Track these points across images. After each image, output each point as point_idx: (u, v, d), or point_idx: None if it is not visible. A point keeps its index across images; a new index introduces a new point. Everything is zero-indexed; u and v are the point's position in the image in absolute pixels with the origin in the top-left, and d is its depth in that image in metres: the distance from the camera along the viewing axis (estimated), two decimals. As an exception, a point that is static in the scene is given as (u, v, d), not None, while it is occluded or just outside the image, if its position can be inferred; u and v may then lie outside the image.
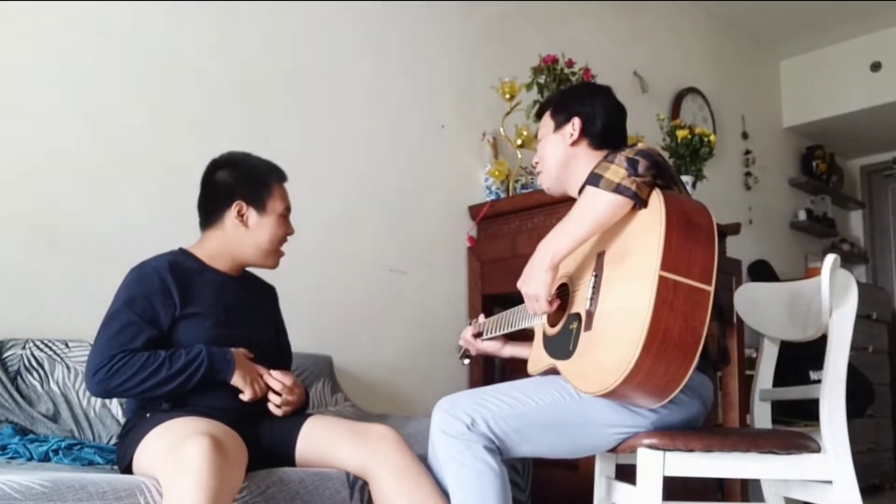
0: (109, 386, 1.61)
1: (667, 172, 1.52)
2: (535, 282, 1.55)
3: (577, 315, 1.56)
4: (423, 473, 1.63)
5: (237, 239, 1.83)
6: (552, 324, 1.67)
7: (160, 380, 1.62)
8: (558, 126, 1.79)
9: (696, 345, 1.37)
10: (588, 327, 1.50)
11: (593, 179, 1.47)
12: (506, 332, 1.90)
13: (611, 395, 1.41)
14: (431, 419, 1.67)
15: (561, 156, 1.78)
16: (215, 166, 1.89)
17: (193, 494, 1.30)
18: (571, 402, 1.56)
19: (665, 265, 1.35)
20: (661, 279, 1.35)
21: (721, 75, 4.76)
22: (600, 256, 1.55)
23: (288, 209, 1.89)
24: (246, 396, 1.71)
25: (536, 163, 1.87)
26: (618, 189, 1.44)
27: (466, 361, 2.09)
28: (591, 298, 1.51)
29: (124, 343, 1.63)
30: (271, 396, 1.76)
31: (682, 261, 1.37)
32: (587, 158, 1.75)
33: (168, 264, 1.76)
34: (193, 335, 1.71)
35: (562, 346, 1.58)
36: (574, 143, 1.76)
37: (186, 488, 1.31)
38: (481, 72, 3.32)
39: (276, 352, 1.91)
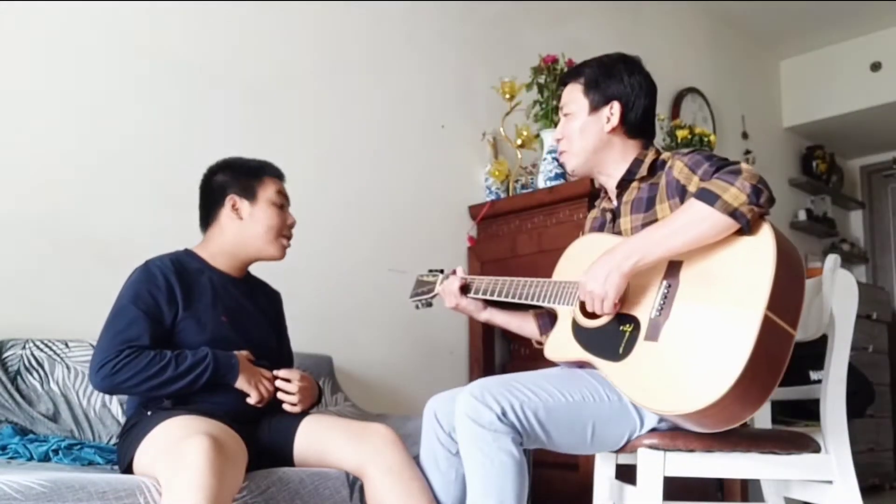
0: (115, 381, 1.61)
1: (774, 202, 1.48)
2: (609, 283, 1.47)
3: (633, 319, 1.50)
4: (416, 477, 1.63)
5: (235, 233, 1.84)
6: (590, 316, 1.59)
7: (165, 379, 1.62)
8: (594, 108, 1.68)
9: (774, 386, 1.36)
10: (652, 337, 1.45)
11: (708, 197, 1.41)
12: (505, 300, 1.77)
13: (677, 417, 1.38)
14: (424, 418, 1.67)
15: (595, 142, 1.68)
16: (210, 172, 1.91)
17: (192, 494, 1.30)
18: (600, 403, 1.53)
19: (771, 305, 1.33)
20: (766, 318, 1.32)
21: (721, 75, 4.76)
22: (675, 266, 1.49)
23: (282, 197, 1.90)
24: (253, 399, 1.71)
25: (559, 140, 1.75)
26: (734, 214, 1.39)
27: (421, 306, 1.94)
28: (661, 309, 1.46)
29: (132, 339, 1.63)
30: (284, 397, 1.77)
31: (783, 303, 1.35)
32: (624, 147, 1.69)
33: (172, 264, 1.77)
34: (195, 336, 1.72)
35: (606, 345, 1.52)
36: (612, 131, 1.68)
37: (186, 488, 1.31)
38: (481, 72, 3.32)
39: (277, 355, 1.91)
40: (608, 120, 1.68)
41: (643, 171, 1.66)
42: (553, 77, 2.99)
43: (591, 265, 1.52)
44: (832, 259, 1.65)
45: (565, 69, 3.03)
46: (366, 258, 2.87)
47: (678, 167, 1.57)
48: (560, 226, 2.79)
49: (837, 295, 1.63)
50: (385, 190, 2.97)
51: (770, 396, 1.36)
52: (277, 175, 1.92)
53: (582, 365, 1.60)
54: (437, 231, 3.10)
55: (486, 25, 3.41)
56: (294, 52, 2.77)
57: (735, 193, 1.39)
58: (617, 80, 1.70)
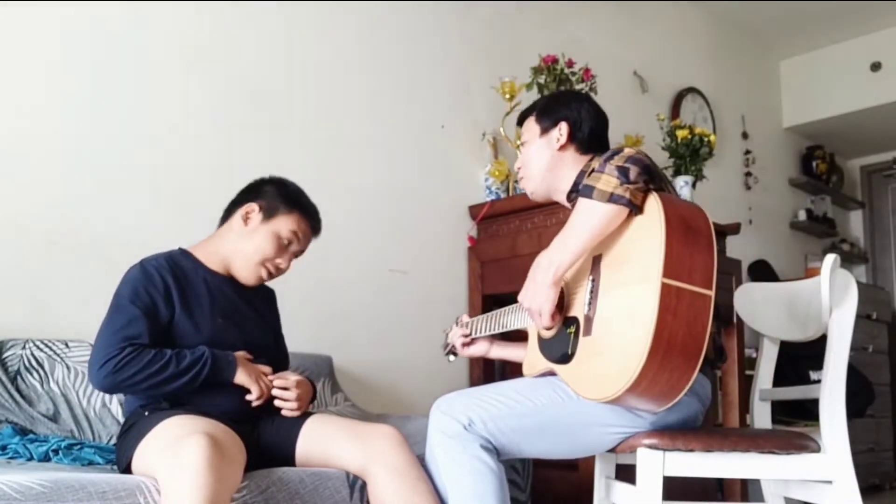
0: (117, 380, 1.60)
1: (658, 175, 1.51)
2: (540, 297, 1.53)
3: (575, 319, 1.56)
4: (422, 478, 1.63)
5: (234, 240, 1.83)
6: (548, 327, 1.66)
7: (166, 377, 1.62)
8: (544, 131, 1.80)
9: (700, 351, 1.37)
10: (587, 332, 1.50)
11: (586, 191, 1.46)
12: (496, 332, 1.89)
13: (614, 402, 1.41)
14: (430, 418, 1.68)
15: (547, 160, 1.78)
16: (263, 179, 1.91)
17: (191, 493, 1.30)
18: (569, 402, 1.56)
19: (667, 272, 1.35)
20: (664, 286, 1.34)
21: (721, 75, 4.76)
22: (597, 260, 1.54)
23: (294, 237, 1.84)
24: (254, 395, 1.71)
25: (519, 168, 1.88)
26: (612, 199, 1.43)
27: (453, 358, 2.05)
28: (590, 303, 1.51)
29: (132, 336, 1.63)
30: (282, 403, 1.76)
31: (683, 266, 1.37)
32: (574, 163, 1.77)
33: (167, 263, 1.76)
34: (191, 338, 1.72)
35: (559, 350, 1.58)
36: (561, 148, 1.77)
37: (184, 487, 1.31)
38: (481, 72, 3.32)
39: (273, 355, 1.91)
40: (558, 139, 1.77)
41: (585, 180, 1.70)
42: (553, 77, 3.00)
43: (525, 285, 1.58)
44: (832, 259, 1.65)
45: (565, 69, 3.04)
46: (366, 258, 2.87)
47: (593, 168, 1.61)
48: (560, 226, 2.76)
49: (837, 295, 1.63)
50: (385, 190, 2.97)
51: (700, 357, 1.36)
52: (309, 219, 1.87)
53: (550, 374, 1.64)
54: (437, 231, 3.10)
55: (485, 25, 3.41)
56: (294, 52, 2.77)
57: (606, 179, 1.44)
58: (565, 105, 1.81)
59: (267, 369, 1.78)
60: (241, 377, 1.70)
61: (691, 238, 1.40)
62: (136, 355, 1.60)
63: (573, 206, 1.76)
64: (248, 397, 1.71)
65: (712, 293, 1.39)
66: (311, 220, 1.88)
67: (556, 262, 1.51)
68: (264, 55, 2.69)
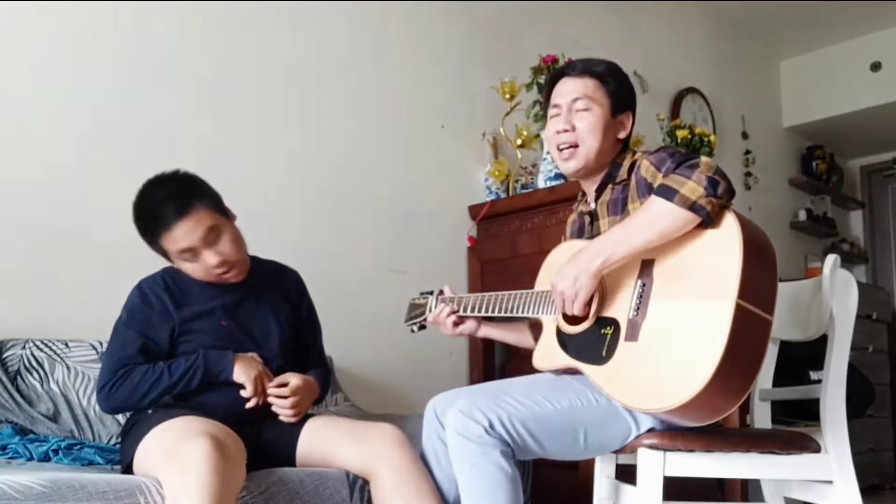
0: (116, 402, 1.68)
1: (734, 193, 1.47)
2: (579, 284, 1.49)
3: (613, 321, 1.51)
4: (425, 476, 1.63)
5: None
6: (572, 322, 1.60)
7: (162, 390, 1.66)
8: (616, 111, 1.69)
9: (756, 374, 1.36)
10: (632, 337, 1.46)
11: (666, 192, 1.41)
12: (498, 316, 1.78)
13: (661, 413, 1.39)
14: (425, 417, 1.68)
15: (609, 145, 1.69)
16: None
17: (196, 495, 1.30)
18: (588, 407, 1.54)
19: (742, 293, 1.33)
20: (738, 307, 1.32)
21: (721, 75, 4.76)
22: (648, 265, 1.50)
23: (190, 240, 1.66)
24: (248, 391, 1.68)
25: (565, 130, 1.67)
26: (693, 207, 1.39)
27: (416, 329, 1.92)
28: (638, 308, 1.47)
29: (124, 358, 1.68)
30: (276, 408, 1.72)
31: (755, 290, 1.35)
32: (613, 154, 1.71)
33: (163, 280, 1.78)
34: (197, 344, 1.73)
35: (589, 350, 1.54)
36: (622, 139, 1.71)
37: (189, 489, 1.31)
38: (481, 72, 3.32)
39: (284, 351, 1.83)
40: (623, 127, 1.70)
41: (622, 174, 1.68)
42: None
43: (561, 267, 1.54)
44: (832, 259, 1.65)
45: (565, 69, 3.03)
46: (366, 258, 2.87)
47: (645, 166, 1.58)
48: (560, 226, 2.77)
49: (837, 295, 1.63)
50: (385, 190, 2.97)
51: (753, 384, 1.36)
52: (170, 222, 1.65)
53: (570, 371, 1.61)
54: (437, 231, 3.10)
55: (486, 25, 3.41)
56: (294, 52, 2.77)
57: (692, 187, 1.40)
58: (629, 90, 1.73)
59: (268, 376, 1.75)
60: (237, 375, 1.70)
61: (762, 261, 1.39)
62: (127, 376, 1.66)
63: (597, 196, 1.71)
64: (242, 393, 1.69)
65: (773, 320, 1.38)
66: (163, 223, 1.66)
67: (607, 253, 1.47)
68: (264, 56, 2.69)
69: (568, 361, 1.59)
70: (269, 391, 1.72)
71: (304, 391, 1.76)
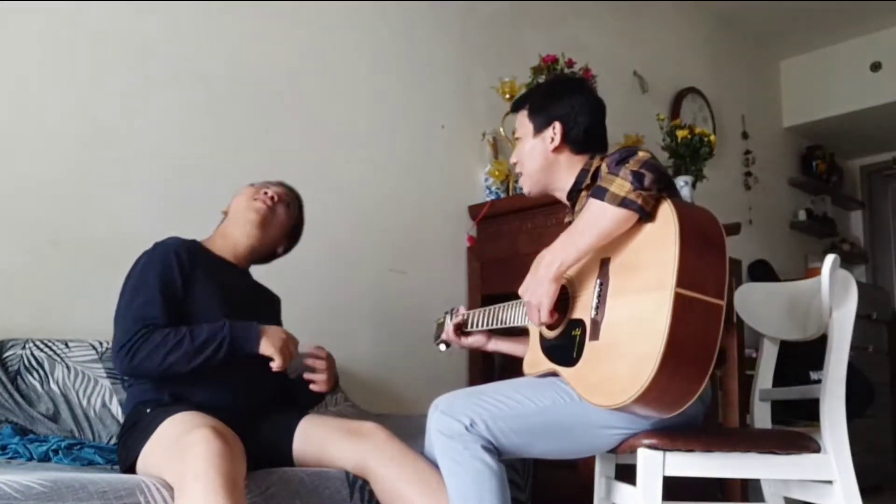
0: (134, 363, 1.62)
1: (669, 181, 1.50)
2: (540, 292, 1.53)
3: (580, 322, 1.55)
4: (420, 458, 1.65)
5: (227, 221, 1.94)
6: (550, 327, 1.65)
7: (182, 354, 1.62)
8: (538, 130, 1.76)
9: (710, 360, 1.36)
10: (594, 337, 1.49)
11: (598, 192, 1.45)
12: (494, 328, 1.88)
13: (622, 409, 1.40)
14: (428, 417, 1.68)
15: (542, 161, 1.76)
16: None
17: (203, 471, 1.31)
18: (571, 404, 1.55)
19: (681, 281, 1.34)
20: (678, 296, 1.34)
21: (721, 75, 4.76)
22: (605, 263, 1.53)
23: (258, 188, 1.94)
24: (277, 364, 1.69)
25: (515, 163, 1.84)
26: (623, 203, 1.42)
27: (443, 348, 2.05)
28: (597, 307, 1.50)
29: (147, 318, 1.65)
30: (313, 376, 1.82)
31: (696, 276, 1.36)
32: (570, 163, 1.75)
33: (182, 244, 1.81)
34: (202, 316, 1.72)
35: (563, 352, 1.57)
36: (556, 150, 1.74)
37: (197, 470, 1.31)
38: (481, 72, 3.32)
39: None
40: (551, 140, 1.73)
41: (588, 179, 1.71)
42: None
43: (525, 279, 1.58)
44: (832, 259, 1.65)
45: (565, 69, 3.03)
46: (366, 258, 2.87)
47: (603, 169, 1.59)
48: (560, 226, 2.74)
49: (837, 295, 1.63)
50: (385, 190, 2.97)
51: (709, 369, 1.36)
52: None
53: (553, 376, 1.63)
54: (437, 231, 3.10)
55: (486, 25, 3.41)
56: (293, 51, 2.77)
57: (619, 183, 1.42)
58: (557, 101, 1.76)
59: (293, 337, 1.77)
60: (265, 348, 1.68)
61: (705, 247, 1.40)
62: (149, 336, 1.62)
63: (573, 204, 1.77)
64: (271, 364, 1.69)
65: (724, 303, 1.38)
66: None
67: (558, 259, 1.51)
68: (264, 56, 2.69)
69: (549, 365, 1.63)
70: (310, 360, 1.81)
71: (333, 363, 1.87)
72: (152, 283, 1.70)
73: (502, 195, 3.15)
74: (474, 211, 3.17)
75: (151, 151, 2.38)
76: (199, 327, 1.66)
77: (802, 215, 5.25)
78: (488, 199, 3.15)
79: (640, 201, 1.42)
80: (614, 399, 1.39)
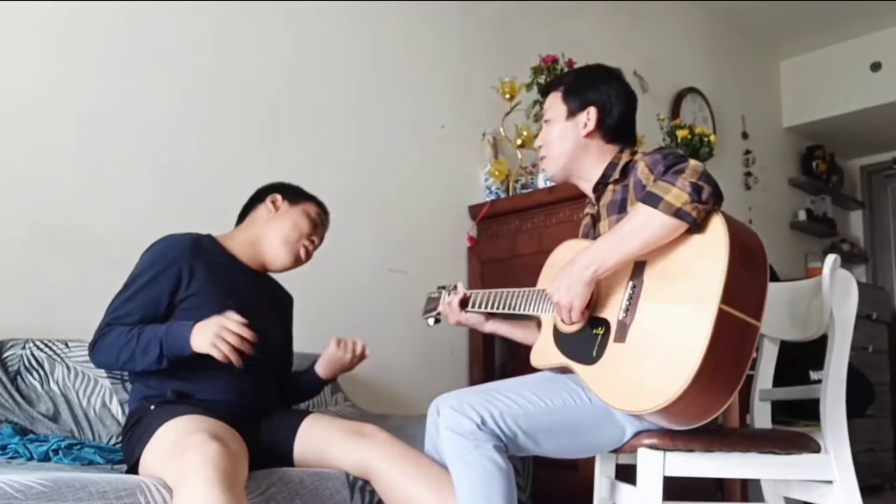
0: (96, 359, 1.69)
1: (721, 194, 1.46)
2: (573, 293, 1.50)
3: (604, 321, 1.52)
4: (423, 456, 1.65)
5: (263, 223, 1.90)
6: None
7: (130, 354, 1.63)
8: (571, 113, 1.72)
9: (739, 379, 1.36)
10: (620, 339, 1.47)
11: (651, 199, 1.42)
12: (502, 312, 1.82)
13: (644, 416, 1.40)
14: (429, 415, 1.68)
15: (572, 146, 1.71)
16: (272, 184, 1.99)
17: (201, 465, 1.31)
18: (582, 406, 1.55)
19: (725, 297, 1.33)
20: (721, 312, 1.32)
21: (721, 75, 4.76)
22: (639, 267, 1.50)
23: (319, 219, 1.95)
24: (217, 357, 1.56)
25: (541, 146, 1.79)
26: (678, 213, 1.39)
27: (432, 322, 1.99)
28: (627, 310, 1.48)
29: (120, 316, 1.68)
30: (335, 353, 1.91)
31: (740, 294, 1.35)
32: (599, 151, 1.71)
33: (192, 241, 1.79)
34: (195, 314, 1.69)
35: (581, 349, 1.55)
36: (588, 135, 1.71)
37: (196, 468, 1.32)
38: (481, 72, 3.32)
39: (282, 353, 1.92)
40: (585, 125, 1.71)
41: (617, 174, 1.68)
42: (553, 77, 3.00)
43: (556, 276, 1.55)
44: (832, 259, 1.65)
45: (565, 69, 3.04)
46: (366, 258, 2.87)
47: (641, 167, 1.58)
48: (560, 226, 2.79)
49: (837, 295, 1.63)
50: (385, 190, 2.97)
51: (737, 389, 1.36)
52: (323, 209, 2.00)
53: (564, 370, 1.61)
54: (437, 231, 3.10)
55: (486, 25, 3.41)
56: (294, 52, 2.77)
57: (676, 193, 1.40)
58: (594, 87, 1.73)
59: (235, 318, 1.59)
60: (199, 347, 1.57)
61: (749, 265, 1.39)
62: (108, 335, 1.66)
63: (598, 197, 1.74)
64: (216, 355, 1.56)
65: (760, 325, 1.38)
66: (324, 210, 1.99)
67: (598, 262, 1.48)
68: (264, 55, 2.69)
69: (562, 360, 1.60)
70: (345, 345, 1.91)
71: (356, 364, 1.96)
72: (139, 279, 1.71)
73: (502, 195, 3.15)
74: (474, 211, 3.17)
75: (151, 151, 2.38)
76: (150, 328, 1.65)
77: (802, 215, 5.24)
78: (488, 199, 3.15)
79: (694, 214, 1.40)
80: (637, 405, 1.37)
